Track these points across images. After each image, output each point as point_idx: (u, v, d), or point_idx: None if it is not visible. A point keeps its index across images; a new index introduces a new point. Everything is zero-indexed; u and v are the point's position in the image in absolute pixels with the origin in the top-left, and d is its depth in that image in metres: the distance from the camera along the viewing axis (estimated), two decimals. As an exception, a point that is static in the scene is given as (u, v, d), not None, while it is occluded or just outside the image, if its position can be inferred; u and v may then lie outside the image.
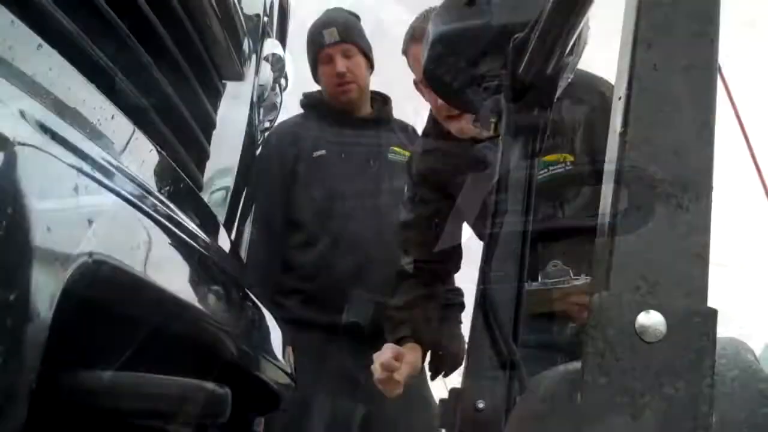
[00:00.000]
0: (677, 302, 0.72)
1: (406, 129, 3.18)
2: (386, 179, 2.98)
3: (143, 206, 0.60)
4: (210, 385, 0.57)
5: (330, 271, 2.84)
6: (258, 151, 3.02)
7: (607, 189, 0.78)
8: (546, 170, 2.26)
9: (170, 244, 0.63)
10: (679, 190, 0.75)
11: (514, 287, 1.32)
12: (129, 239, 0.57)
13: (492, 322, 1.28)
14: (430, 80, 1.48)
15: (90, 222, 0.51)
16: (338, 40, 2.96)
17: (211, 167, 0.94)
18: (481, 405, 1.24)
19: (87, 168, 0.53)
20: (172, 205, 0.68)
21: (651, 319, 0.71)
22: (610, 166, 0.78)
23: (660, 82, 0.78)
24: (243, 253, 1.23)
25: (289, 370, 0.97)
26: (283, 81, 1.23)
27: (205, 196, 0.95)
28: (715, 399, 0.91)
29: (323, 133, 3.01)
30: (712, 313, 0.72)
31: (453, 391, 1.28)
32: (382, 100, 3.16)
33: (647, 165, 0.76)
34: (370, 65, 3.06)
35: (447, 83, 1.47)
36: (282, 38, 1.26)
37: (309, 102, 3.12)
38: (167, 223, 0.64)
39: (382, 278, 2.81)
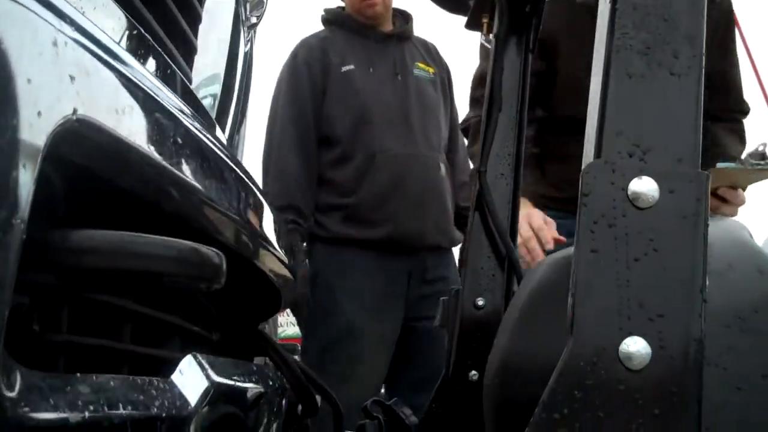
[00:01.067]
0: (670, 168, 0.72)
1: (426, 46, 3.16)
2: (413, 93, 2.97)
3: (129, 74, 0.60)
4: (204, 249, 0.57)
5: (368, 185, 2.84)
6: (287, 63, 2.99)
7: (598, 56, 0.77)
8: None
9: (157, 114, 0.62)
10: (671, 56, 0.75)
11: (510, 186, 1.32)
12: (114, 102, 0.56)
13: (490, 221, 1.28)
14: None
15: (72, 78, 0.51)
16: None
17: (199, 61, 0.93)
18: (480, 302, 1.26)
19: (67, 28, 0.52)
20: (157, 81, 0.68)
21: (644, 185, 0.71)
22: (600, 34, 0.77)
23: (648, -52, 0.77)
24: (240, 152, 1.23)
25: (288, 262, 0.97)
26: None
27: (196, 92, 0.95)
28: (713, 276, 0.93)
29: (350, 47, 2.99)
30: (705, 177, 0.72)
31: (453, 291, 1.29)
32: (403, 17, 3.14)
33: (637, 33, 0.75)
34: None
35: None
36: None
37: (331, 18, 3.10)
38: (154, 94, 0.63)
39: (419, 192, 2.84)
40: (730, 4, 2.22)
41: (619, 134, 0.73)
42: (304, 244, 2.89)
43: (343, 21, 3.06)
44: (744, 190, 2.14)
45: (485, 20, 1.40)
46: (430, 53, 3.15)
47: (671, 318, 0.69)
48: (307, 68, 2.96)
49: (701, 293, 0.70)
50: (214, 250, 0.57)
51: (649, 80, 0.74)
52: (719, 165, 2.11)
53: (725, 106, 2.33)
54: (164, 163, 0.61)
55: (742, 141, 2.33)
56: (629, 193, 0.71)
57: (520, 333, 0.98)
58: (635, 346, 0.68)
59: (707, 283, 0.91)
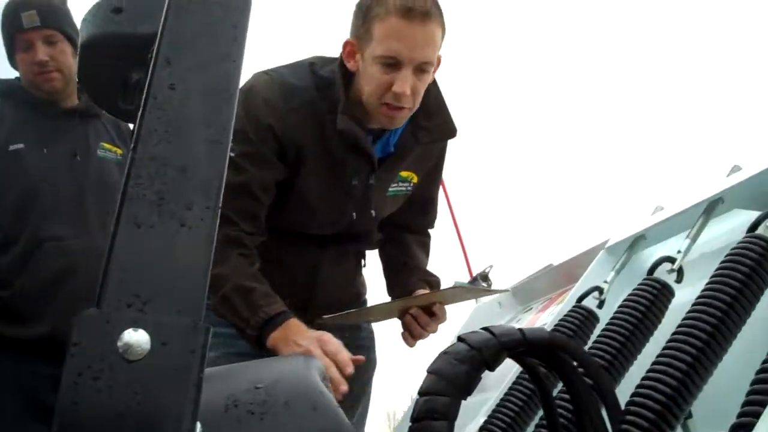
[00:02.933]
0: (166, 319, 0.72)
1: (118, 125, 2.89)
2: (94, 177, 2.73)
3: None
4: None
5: (28, 277, 2.56)
6: None
7: (118, 206, 0.77)
8: (397, 184, 2.30)
9: None
10: (184, 208, 0.76)
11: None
12: None
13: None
14: (85, 86, 1.44)
15: None
16: (39, 25, 2.65)
17: None
18: None
19: None
20: None
21: (136, 337, 0.71)
22: (123, 181, 0.78)
23: (175, 101, 0.79)
24: None
25: None
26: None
27: None
28: (269, 416, 0.94)
29: (21, 124, 2.69)
30: (203, 330, 0.73)
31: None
32: None
33: (152, 183, 0.76)
34: (77, 52, 2.87)
35: (102, 90, 1.44)
36: None
37: (5, 89, 2.78)
38: None
39: (90, 287, 2.62)
40: (446, 146, 2.40)
41: (120, 283, 0.73)
42: None
43: (16, 94, 2.76)
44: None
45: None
46: (120, 133, 2.88)
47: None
48: None
49: (185, 447, 0.70)
50: None
51: (158, 231, 0.75)
52: (456, 284, 2.26)
53: (422, 222, 2.53)
54: None
55: (428, 254, 2.52)
56: (120, 344, 0.70)
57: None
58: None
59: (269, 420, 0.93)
